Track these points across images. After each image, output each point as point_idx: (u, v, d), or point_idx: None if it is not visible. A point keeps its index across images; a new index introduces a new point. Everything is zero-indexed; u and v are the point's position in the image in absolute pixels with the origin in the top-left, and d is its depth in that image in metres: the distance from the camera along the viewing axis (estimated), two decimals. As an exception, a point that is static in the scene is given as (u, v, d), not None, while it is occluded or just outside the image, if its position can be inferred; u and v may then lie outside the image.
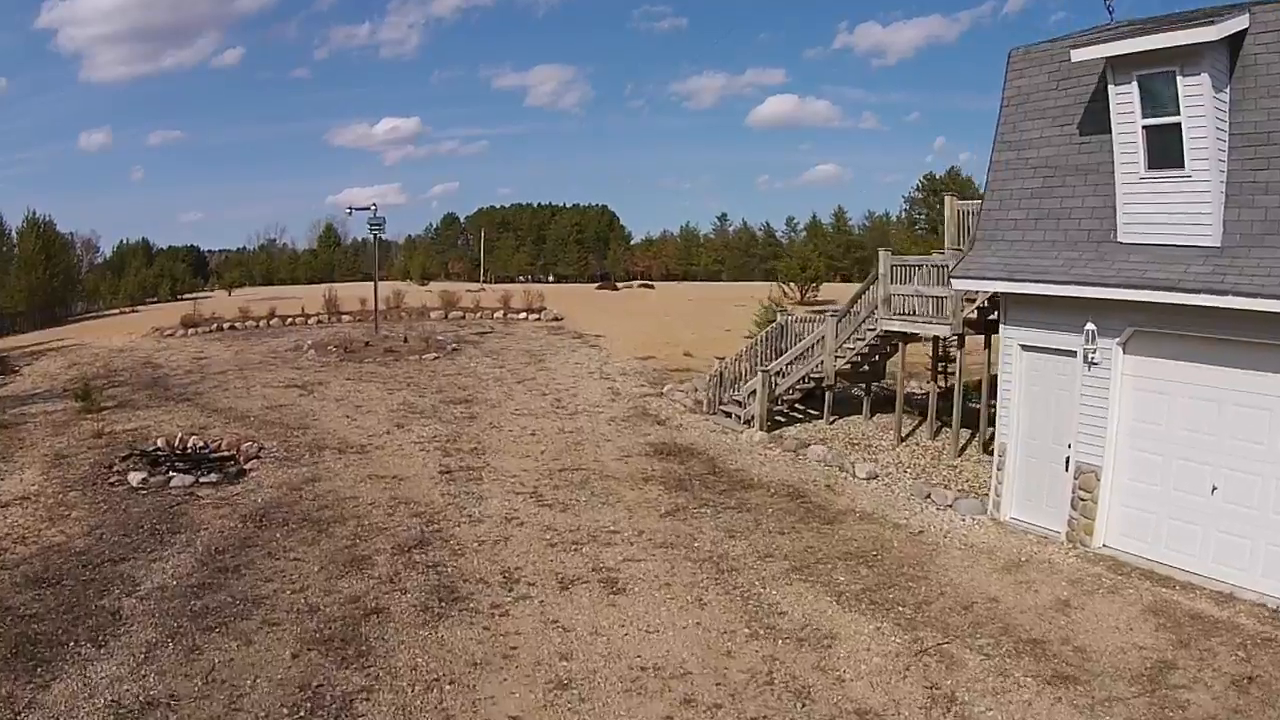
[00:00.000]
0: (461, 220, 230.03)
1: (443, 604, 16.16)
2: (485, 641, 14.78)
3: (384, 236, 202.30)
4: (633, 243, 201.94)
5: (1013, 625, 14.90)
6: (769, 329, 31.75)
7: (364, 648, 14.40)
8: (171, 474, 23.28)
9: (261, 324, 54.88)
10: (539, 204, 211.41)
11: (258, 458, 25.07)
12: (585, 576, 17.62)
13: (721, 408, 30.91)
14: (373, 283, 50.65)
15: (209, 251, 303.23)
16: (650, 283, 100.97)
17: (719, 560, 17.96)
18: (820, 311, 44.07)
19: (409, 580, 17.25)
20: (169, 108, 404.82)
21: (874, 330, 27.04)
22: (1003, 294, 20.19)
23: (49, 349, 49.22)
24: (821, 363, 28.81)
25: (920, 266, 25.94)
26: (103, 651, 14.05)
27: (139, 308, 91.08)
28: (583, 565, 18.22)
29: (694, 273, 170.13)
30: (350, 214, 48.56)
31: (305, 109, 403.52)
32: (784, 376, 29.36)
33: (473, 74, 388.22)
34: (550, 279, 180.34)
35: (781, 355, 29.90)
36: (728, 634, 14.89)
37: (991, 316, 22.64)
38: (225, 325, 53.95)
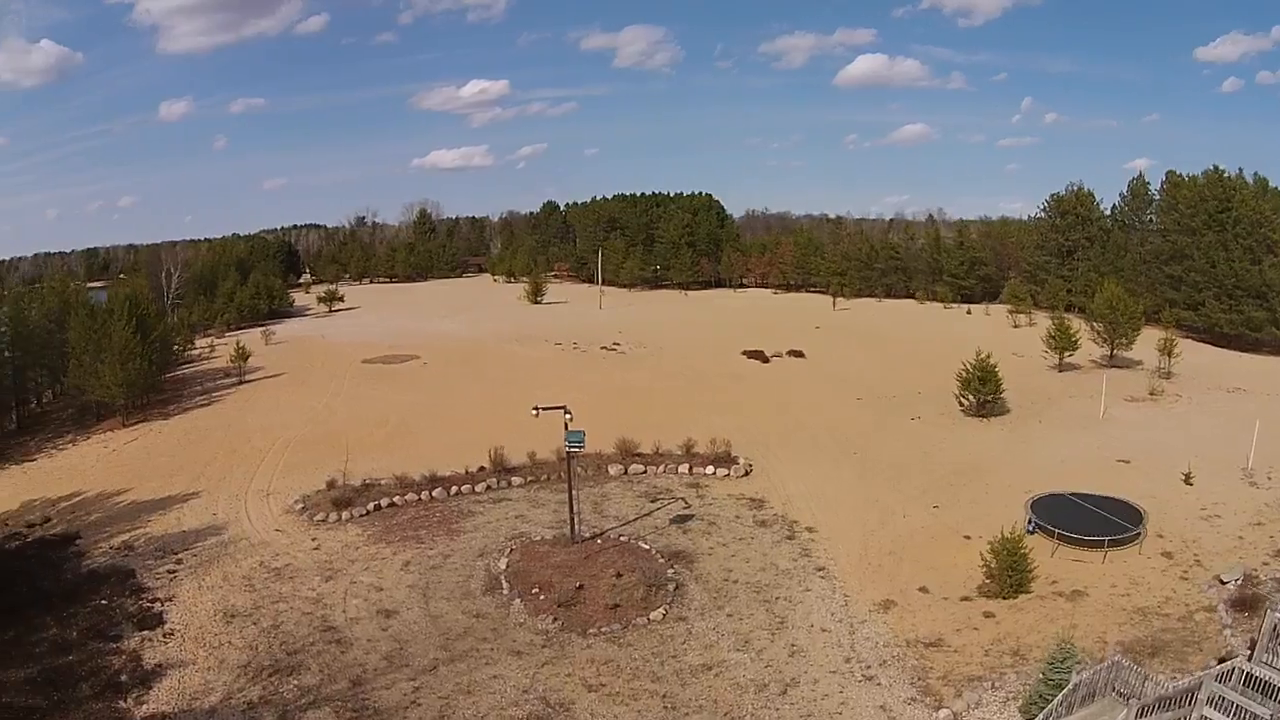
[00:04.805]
0: (561, 208, 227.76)
1: None
2: None
3: (477, 215, 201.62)
4: (742, 239, 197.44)
5: None
6: (1064, 693, 27.40)
7: None
8: None
9: (424, 496, 49.19)
10: (642, 193, 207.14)
11: None
12: None
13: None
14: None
15: (296, 228, 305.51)
16: (799, 350, 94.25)
17: None
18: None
19: None
20: (251, 76, 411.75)
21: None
22: None
23: (181, 539, 44.73)
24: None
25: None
26: None
27: (241, 344, 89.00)
28: None
29: (809, 282, 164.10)
30: (537, 414, 41.85)
31: (390, 74, 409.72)
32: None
33: (561, 35, 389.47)
34: (656, 270, 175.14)
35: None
36: None
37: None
38: (384, 503, 48.19)
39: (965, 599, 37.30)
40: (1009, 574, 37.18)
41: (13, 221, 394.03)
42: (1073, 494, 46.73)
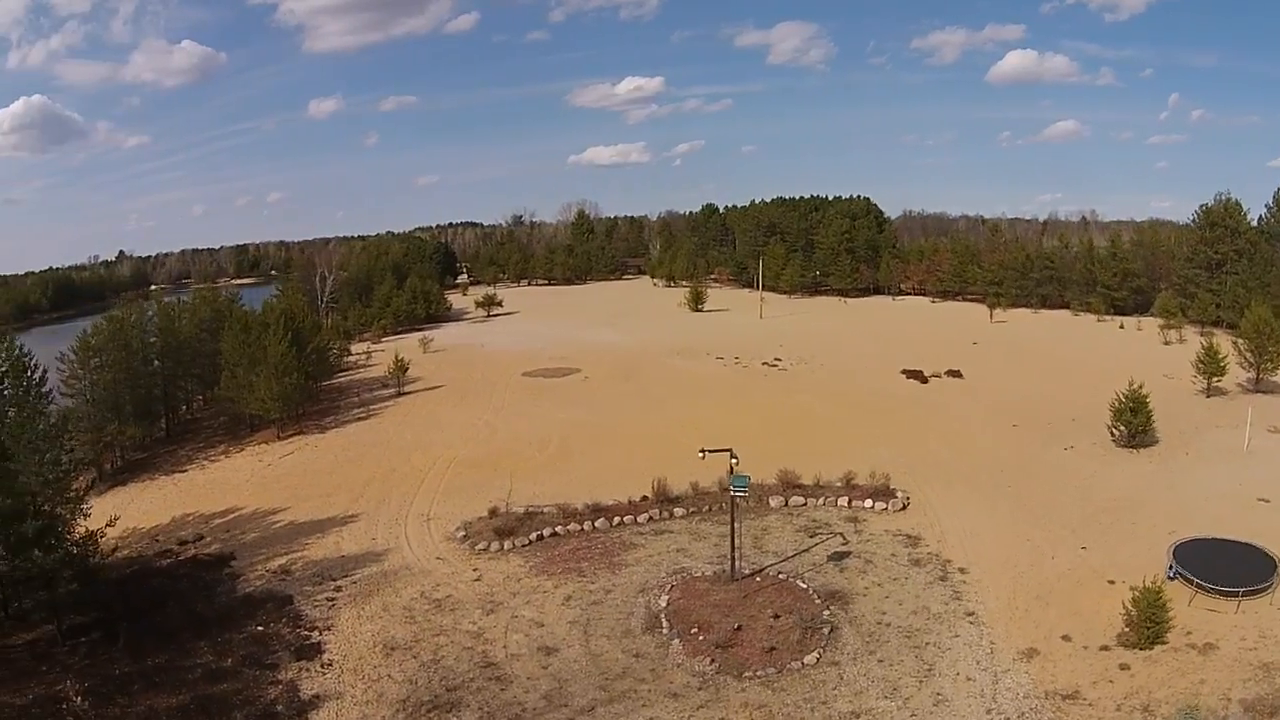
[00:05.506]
0: (720, 210, 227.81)
1: None
2: None
3: (635, 215, 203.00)
4: (900, 241, 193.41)
5: None
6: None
7: None
8: None
9: (586, 526, 48.71)
10: (801, 196, 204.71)
11: None
12: None
13: None
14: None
15: (451, 226, 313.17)
16: (957, 369, 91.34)
17: None
18: None
19: None
20: (402, 74, 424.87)
21: None
22: None
23: (340, 564, 45.24)
24: None
25: None
26: None
27: (400, 354, 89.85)
28: None
29: (966, 290, 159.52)
30: (704, 457, 40.89)
31: (543, 71, 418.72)
32: None
33: (714, 32, 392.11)
34: (816, 277, 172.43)
35: None
36: None
37: None
38: (546, 533, 47.77)
39: (1104, 648, 36.87)
40: (1147, 625, 37.17)
41: (158, 218, 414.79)
42: (1212, 539, 46.24)
